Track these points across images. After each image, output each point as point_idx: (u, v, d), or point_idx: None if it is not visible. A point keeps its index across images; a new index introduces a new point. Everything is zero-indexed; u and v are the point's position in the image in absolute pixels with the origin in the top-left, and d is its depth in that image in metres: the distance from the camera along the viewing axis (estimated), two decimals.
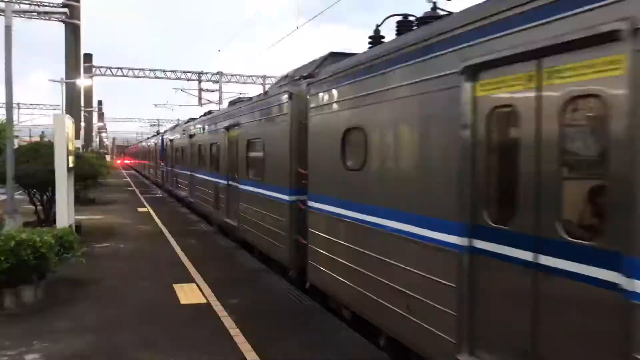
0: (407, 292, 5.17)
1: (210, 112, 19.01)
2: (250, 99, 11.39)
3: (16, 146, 12.70)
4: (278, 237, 9.24)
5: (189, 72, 45.73)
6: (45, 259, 7.49)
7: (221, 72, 44.95)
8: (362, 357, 5.77)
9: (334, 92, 6.93)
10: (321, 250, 7.32)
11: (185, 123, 23.02)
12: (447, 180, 4.58)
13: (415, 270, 5.06)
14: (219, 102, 40.83)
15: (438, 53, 4.71)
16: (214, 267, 10.03)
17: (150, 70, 45.83)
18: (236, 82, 47.00)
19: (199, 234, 14.35)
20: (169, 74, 45.82)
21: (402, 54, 5.32)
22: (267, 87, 44.72)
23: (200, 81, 44.55)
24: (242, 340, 6.11)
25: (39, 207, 13.95)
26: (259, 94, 11.16)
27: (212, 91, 42.60)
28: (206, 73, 45.30)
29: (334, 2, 15.71)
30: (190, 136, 19.31)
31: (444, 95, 4.59)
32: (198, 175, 17.73)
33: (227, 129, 12.99)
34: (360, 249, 6.14)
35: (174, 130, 26.31)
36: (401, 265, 5.30)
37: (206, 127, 16.59)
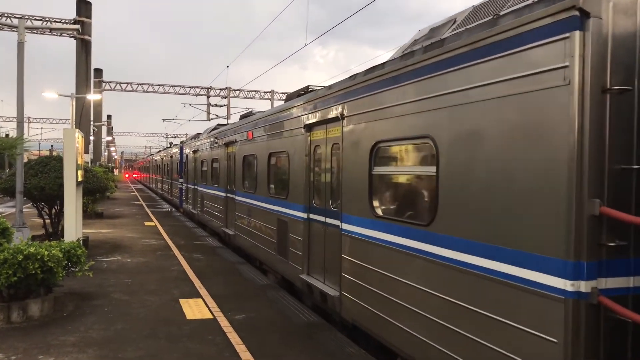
0: None
1: (251, 112, 14.22)
2: (382, 65, 6.22)
3: (25, 160, 12.77)
4: None
5: (197, 87, 46.12)
6: (53, 273, 7.52)
7: (229, 88, 45.29)
8: None
9: None
10: None
11: (214, 129, 18.83)
12: None
13: None
14: (227, 117, 41.03)
15: None
16: (220, 282, 10.02)
17: (160, 85, 46.24)
18: (244, 98, 47.35)
19: (205, 248, 14.33)
20: (177, 89, 46.22)
21: None
22: (275, 103, 44.89)
23: (209, 96, 44.86)
24: (248, 357, 6.07)
25: (47, 221, 14.02)
26: (412, 44, 6.32)
27: (221, 106, 42.84)
28: (215, 88, 45.67)
29: (341, 20, 15.69)
30: (227, 145, 14.86)
31: None
32: (240, 199, 13.11)
33: (309, 128, 8.56)
34: None
35: (199, 139, 21.21)
36: None
37: (258, 131, 11.76)
